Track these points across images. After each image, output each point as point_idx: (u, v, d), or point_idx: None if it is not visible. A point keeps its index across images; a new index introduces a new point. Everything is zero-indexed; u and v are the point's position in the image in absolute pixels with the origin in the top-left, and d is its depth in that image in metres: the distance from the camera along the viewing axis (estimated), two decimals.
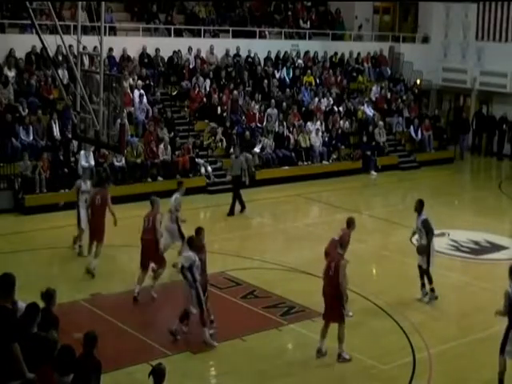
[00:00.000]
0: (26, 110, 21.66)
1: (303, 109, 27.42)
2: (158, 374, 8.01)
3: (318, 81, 29.20)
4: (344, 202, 22.30)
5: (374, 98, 29.69)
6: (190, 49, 26.85)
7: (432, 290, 14.26)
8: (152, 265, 14.06)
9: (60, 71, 21.45)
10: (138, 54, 25.82)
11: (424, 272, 14.23)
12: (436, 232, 18.96)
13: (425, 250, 14.11)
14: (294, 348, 12.46)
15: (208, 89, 25.96)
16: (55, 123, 21.52)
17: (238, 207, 20.45)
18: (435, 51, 32.69)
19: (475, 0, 31.01)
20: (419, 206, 14.14)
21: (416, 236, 14.67)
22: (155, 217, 13.89)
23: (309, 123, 26.36)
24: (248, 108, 25.77)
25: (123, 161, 21.52)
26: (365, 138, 27.22)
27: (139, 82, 24.31)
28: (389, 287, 14.91)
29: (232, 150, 24.28)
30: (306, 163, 25.57)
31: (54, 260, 15.76)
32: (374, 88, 30.15)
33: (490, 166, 30.40)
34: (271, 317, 13.12)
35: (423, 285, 14.33)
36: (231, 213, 20.28)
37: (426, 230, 14.06)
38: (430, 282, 14.26)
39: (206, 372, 11.48)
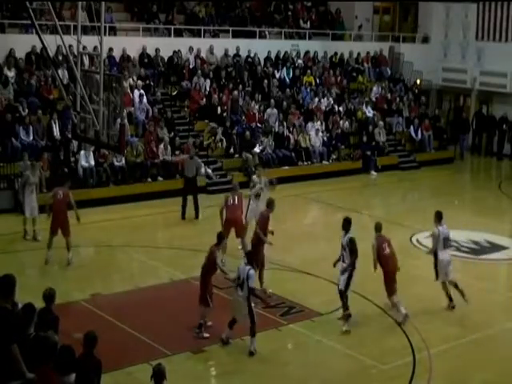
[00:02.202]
0: (26, 110, 21.66)
1: (303, 109, 27.41)
2: (157, 374, 8.02)
3: (317, 81, 29.20)
4: (344, 201, 22.28)
5: (374, 99, 29.70)
6: (190, 49, 26.85)
7: (348, 316, 12.74)
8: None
9: (60, 71, 21.42)
10: (138, 54, 25.81)
11: (341, 294, 12.87)
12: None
13: (346, 270, 12.79)
14: (293, 348, 12.45)
15: (208, 89, 25.95)
16: (55, 123, 21.51)
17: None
18: (435, 51, 32.69)
19: (475, 0, 31.02)
20: (347, 225, 12.93)
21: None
22: (241, 196, 16.27)
23: (309, 123, 26.37)
24: (248, 108, 25.77)
25: (123, 161, 21.51)
26: (365, 138, 27.21)
27: (139, 82, 24.32)
28: None
29: (232, 150, 24.40)
30: (305, 163, 25.58)
31: (54, 260, 15.74)
32: (374, 88, 30.16)
33: (490, 166, 30.40)
34: (271, 317, 13.11)
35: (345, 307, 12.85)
36: (196, 216, 19.82)
37: (351, 249, 12.72)
38: (346, 308, 12.80)
39: (206, 372, 11.48)
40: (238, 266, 11.97)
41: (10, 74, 22.58)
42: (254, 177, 17.91)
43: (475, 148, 31.32)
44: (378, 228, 13.32)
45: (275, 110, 25.99)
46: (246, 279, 11.56)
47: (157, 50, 26.07)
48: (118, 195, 20.97)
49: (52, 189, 16.57)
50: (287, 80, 28.66)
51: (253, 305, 11.71)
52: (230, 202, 15.91)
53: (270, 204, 14.42)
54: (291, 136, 25.67)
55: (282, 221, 20.84)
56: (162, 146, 22.44)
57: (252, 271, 11.69)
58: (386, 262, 13.02)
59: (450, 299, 13.64)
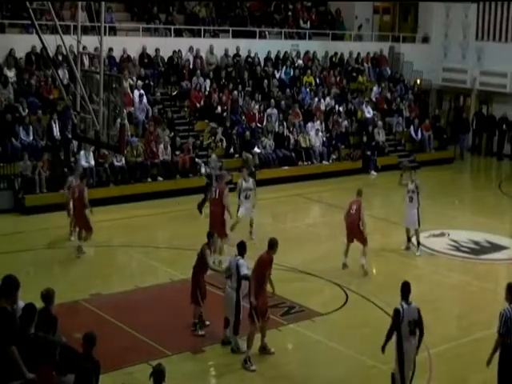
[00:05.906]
0: (26, 110, 21.65)
1: (303, 109, 27.40)
2: (157, 374, 8.02)
3: (317, 81, 29.20)
4: (344, 201, 22.03)
5: (374, 99, 29.70)
6: (191, 49, 26.85)
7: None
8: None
9: (60, 71, 21.42)
10: (138, 54, 25.81)
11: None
12: (435, 232, 19.11)
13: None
14: (293, 348, 12.45)
15: (208, 89, 25.96)
16: (55, 123, 21.51)
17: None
18: (435, 51, 32.70)
19: (475, 0, 31.02)
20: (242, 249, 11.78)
21: None
22: (223, 189, 15.92)
23: (309, 123, 26.37)
24: (248, 108, 25.77)
25: (123, 161, 21.51)
26: (365, 138, 27.22)
27: (139, 82, 24.32)
28: (388, 287, 14.86)
29: (232, 150, 24.39)
30: (305, 163, 25.58)
31: (54, 260, 15.76)
32: (374, 88, 30.16)
33: (490, 166, 30.40)
34: (271, 317, 13.08)
35: None
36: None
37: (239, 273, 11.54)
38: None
39: (206, 372, 11.47)
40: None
41: (10, 73, 22.58)
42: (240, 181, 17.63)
43: (475, 148, 31.32)
44: (359, 193, 15.96)
45: (275, 110, 26.00)
46: (236, 269, 11.50)
47: (157, 50, 26.07)
48: (118, 195, 20.97)
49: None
50: (287, 80, 28.66)
51: (242, 300, 11.60)
52: (213, 195, 16.24)
53: (272, 245, 11.59)
54: (291, 136, 25.67)
55: (282, 221, 20.90)
56: (161, 146, 22.44)
57: (241, 260, 11.58)
58: (350, 220, 15.52)
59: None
